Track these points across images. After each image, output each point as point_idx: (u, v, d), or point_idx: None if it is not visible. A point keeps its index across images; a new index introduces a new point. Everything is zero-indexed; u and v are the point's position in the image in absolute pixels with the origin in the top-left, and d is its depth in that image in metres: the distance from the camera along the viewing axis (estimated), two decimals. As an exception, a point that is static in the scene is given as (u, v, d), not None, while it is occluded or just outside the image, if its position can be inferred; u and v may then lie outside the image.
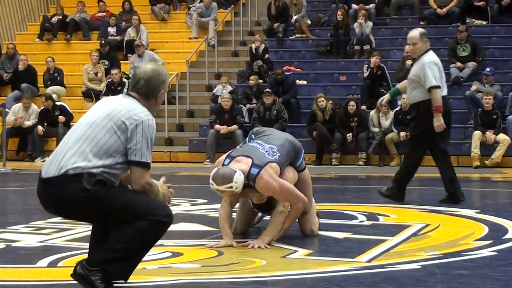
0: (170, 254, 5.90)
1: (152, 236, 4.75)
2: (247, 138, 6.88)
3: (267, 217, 6.80)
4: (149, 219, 4.67)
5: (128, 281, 4.84)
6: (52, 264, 5.75)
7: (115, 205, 4.65)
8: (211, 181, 6.22)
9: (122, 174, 4.79)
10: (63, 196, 4.64)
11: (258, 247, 6.26)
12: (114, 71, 18.50)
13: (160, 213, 4.70)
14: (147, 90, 4.85)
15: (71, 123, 17.53)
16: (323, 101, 16.12)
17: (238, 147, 6.96)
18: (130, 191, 4.77)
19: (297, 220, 6.83)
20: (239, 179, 6.14)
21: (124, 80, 18.53)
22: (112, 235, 4.75)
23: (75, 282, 4.87)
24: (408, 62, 16.94)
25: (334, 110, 16.28)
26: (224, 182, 6.15)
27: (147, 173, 4.74)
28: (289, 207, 6.57)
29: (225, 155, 6.54)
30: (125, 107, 4.76)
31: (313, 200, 6.99)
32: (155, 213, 4.69)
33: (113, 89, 18.30)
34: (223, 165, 6.38)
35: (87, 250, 5.04)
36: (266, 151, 6.44)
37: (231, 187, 6.15)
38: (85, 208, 4.65)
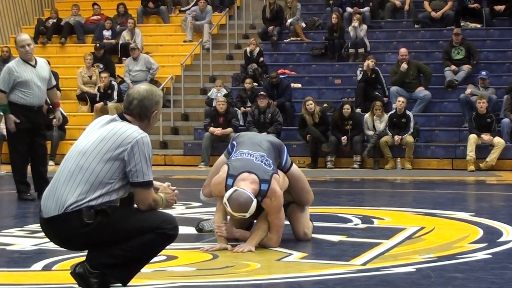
0: (165, 257, 5.88)
1: (158, 247, 4.76)
2: (229, 146, 6.80)
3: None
4: (157, 232, 4.66)
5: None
6: (47, 268, 5.74)
7: (121, 229, 4.62)
8: (226, 202, 6.18)
9: (124, 195, 4.74)
10: (68, 235, 4.62)
11: (241, 251, 6.26)
12: (103, 75, 18.41)
13: (167, 226, 4.68)
14: (140, 111, 4.78)
15: (65, 127, 17.56)
16: (311, 104, 16.04)
17: (226, 157, 6.79)
18: (134, 211, 4.74)
19: (289, 222, 6.87)
20: (253, 209, 6.17)
21: (114, 83, 18.45)
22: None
23: (69, 285, 4.86)
24: (404, 65, 16.99)
25: (323, 112, 16.25)
26: (241, 211, 6.19)
27: (151, 190, 4.71)
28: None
29: (223, 171, 6.43)
30: (115, 131, 4.67)
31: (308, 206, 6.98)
32: (162, 226, 4.67)
33: (103, 93, 18.31)
34: (226, 185, 6.33)
35: (82, 254, 5.01)
36: (261, 161, 6.44)
37: (244, 216, 6.23)
38: (93, 240, 4.62)
